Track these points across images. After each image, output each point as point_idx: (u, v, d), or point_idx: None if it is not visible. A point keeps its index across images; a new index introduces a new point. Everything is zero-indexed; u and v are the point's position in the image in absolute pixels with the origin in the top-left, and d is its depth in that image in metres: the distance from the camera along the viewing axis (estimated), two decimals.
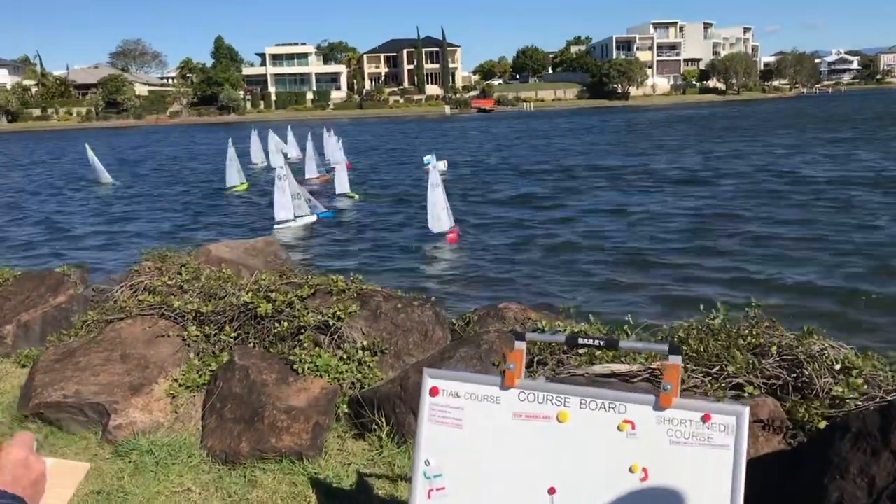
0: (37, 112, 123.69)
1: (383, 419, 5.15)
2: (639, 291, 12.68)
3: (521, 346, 3.33)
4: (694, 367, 4.73)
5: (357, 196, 28.78)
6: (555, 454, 3.21)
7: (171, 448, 5.23)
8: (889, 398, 4.00)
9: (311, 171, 36.71)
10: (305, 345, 5.85)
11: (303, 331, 5.94)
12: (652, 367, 4.78)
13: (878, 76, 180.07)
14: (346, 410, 5.44)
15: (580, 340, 3.25)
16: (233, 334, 6.13)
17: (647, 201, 23.00)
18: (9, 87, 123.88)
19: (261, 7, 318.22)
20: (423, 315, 6.18)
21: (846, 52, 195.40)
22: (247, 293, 6.34)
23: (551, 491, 3.20)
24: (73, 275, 8.53)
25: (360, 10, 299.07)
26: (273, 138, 43.59)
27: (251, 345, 6.05)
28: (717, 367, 4.66)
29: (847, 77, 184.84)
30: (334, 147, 42.09)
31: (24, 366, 6.91)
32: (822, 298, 12.05)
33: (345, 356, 5.77)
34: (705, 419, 3.00)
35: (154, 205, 28.78)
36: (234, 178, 34.81)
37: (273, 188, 22.46)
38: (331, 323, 5.95)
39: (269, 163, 43.81)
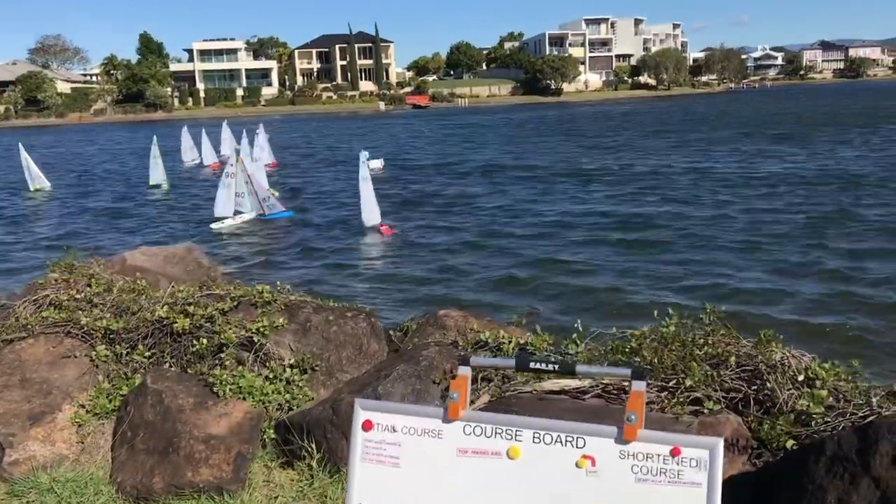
0: None
1: (314, 445, 4.71)
2: (583, 296, 12.39)
3: (465, 371, 2.95)
4: (649, 381, 4.42)
5: (275, 192, 28.48)
6: (505, 494, 2.85)
7: (76, 485, 4.70)
8: (860, 413, 3.75)
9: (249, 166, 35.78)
10: (227, 364, 5.37)
11: (224, 348, 5.46)
12: (603, 381, 4.46)
13: (801, 72, 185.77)
14: (273, 436, 4.98)
15: (532, 364, 2.89)
16: (146, 353, 5.60)
17: (585, 200, 22.84)
18: None
19: (187, 1, 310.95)
20: (357, 327, 5.76)
21: (771, 49, 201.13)
22: (162, 307, 5.82)
23: None
24: None
25: (291, 5, 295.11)
26: (205, 137, 42.61)
27: (167, 365, 5.54)
28: (674, 381, 4.36)
29: (772, 72, 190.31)
30: (263, 145, 41.23)
31: None
32: (771, 304, 11.86)
33: (271, 375, 5.31)
34: (674, 453, 2.66)
35: (71, 209, 27.42)
36: (158, 175, 33.94)
37: (217, 184, 22.04)
38: (255, 339, 5.48)
39: (201, 160, 42.85)
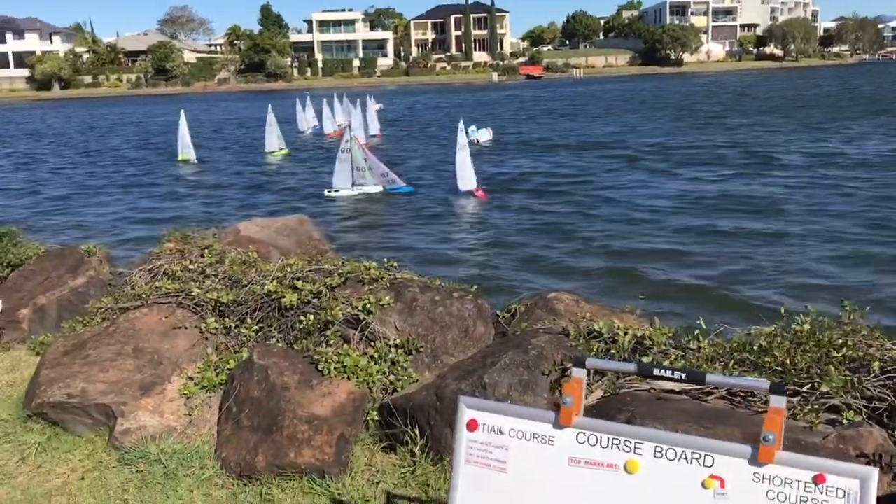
0: (88, 79, 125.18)
1: (417, 431, 4.57)
2: (699, 289, 11.58)
3: (580, 374, 2.70)
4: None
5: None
6: None
7: (183, 457, 4.72)
8: None
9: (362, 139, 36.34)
10: (332, 341, 5.29)
11: (330, 325, 5.38)
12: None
13: None
14: (376, 418, 4.87)
15: (656, 372, 2.61)
16: (254, 327, 5.59)
17: (714, 186, 21.40)
18: (61, 54, 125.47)
19: None
20: (464, 308, 5.56)
21: None
22: (271, 281, 5.79)
23: None
24: (98, 253, 8.11)
25: None
26: (326, 106, 43.31)
27: (274, 339, 5.51)
28: (809, 385, 3.97)
29: None
30: (372, 116, 41.80)
31: (38, 353, 6.49)
32: None
33: (376, 355, 5.19)
34: (818, 480, 2.35)
35: (202, 178, 28.27)
36: (274, 143, 34.71)
37: (328, 157, 22.47)
38: (361, 317, 5.38)
39: (321, 128, 43.70)
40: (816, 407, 3.80)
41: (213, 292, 5.88)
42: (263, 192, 24.48)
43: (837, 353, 4.13)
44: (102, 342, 5.61)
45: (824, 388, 3.88)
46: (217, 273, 6.31)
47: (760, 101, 55.64)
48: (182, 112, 32.45)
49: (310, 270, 6.08)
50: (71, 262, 7.67)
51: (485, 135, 35.80)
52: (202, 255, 6.75)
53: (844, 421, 3.71)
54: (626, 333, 4.68)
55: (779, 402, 2.43)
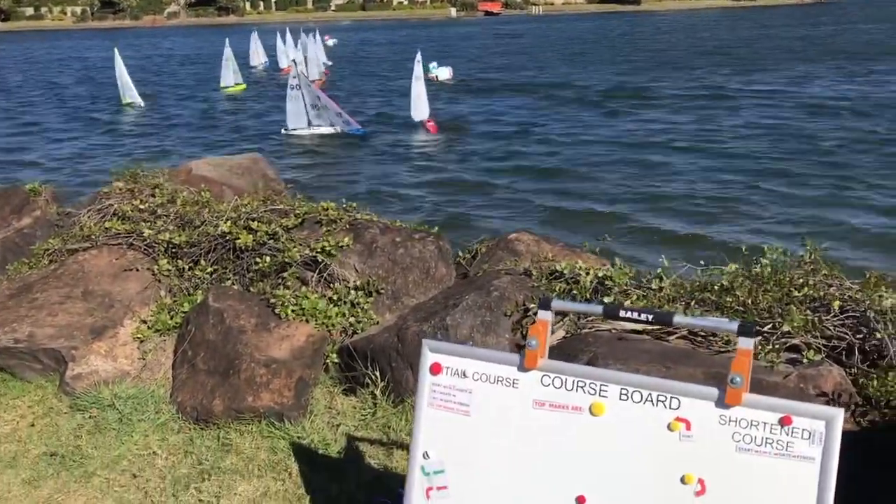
0: (30, 11, 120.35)
1: (377, 374, 4.52)
2: (664, 229, 11.64)
3: (545, 316, 2.64)
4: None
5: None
6: (585, 455, 2.57)
7: (137, 402, 4.62)
8: None
9: (313, 75, 35.73)
10: (290, 283, 5.18)
11: (287, 267, 5.26)
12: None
13: None
14: (336, 361, 4.81)
15: (622, 314, 2.56)
16: (209, 269, 5.45)
17: (667, 125, 21.44)
18: None
19: None
20: (425, 250, 5.48)
21: None
22: (225, 222, 5.63)
23: (580, 500, 2.57)
24: (44, 193, 7.81)
25: None
26: (279, 42, 42.23)
27: (229, 282, 5.38)
28: (770, 325, 3.99)
29: None
30: (319, 51, 41.06)
31: None
32: (881, 247, 10.72)
33: (335, 297, 5.10)
34: (784, 422, 2.34)
35: (151, 118, 27.42)
36: (230, 78, 34.09)
37: (284, 93, 21.74)
38: (319, 259, 5.27)
39: (273, 64, 42.83)
40: (777, 347, 3.82)
41: (166, 233, 5.71)
42: (217, 129, 23.96)
43: (798, 292, 4.15)
44: (50, 285, 5.43)
45: (785, 328, 3.90)
46: (169, 213, 6.12)
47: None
48: (116, 51, 29.61)
49: (265, 211, 5.92)
50: (15, 202, 7.37)
51: (445, 73, 35.40)
52: (152, 195, 6.54)
53: (805, 360, 3.73)
54: (587, 274, 4.64)
55: (747, 343, 2.40)
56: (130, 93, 30.00)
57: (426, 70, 35.41)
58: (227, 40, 33.99)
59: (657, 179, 15.03)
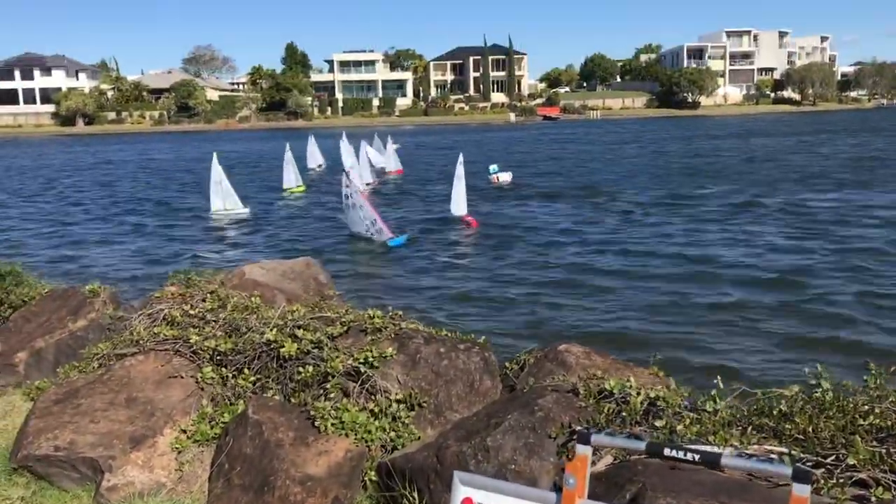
0: (112, 115, 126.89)
1: (415, 495, 4.32)
2: (722, 338, 11.14)
3: (584, 451, 2.45)
4: (802, 454, 3.77)
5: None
6: None
7: None
8: None
9: (367, 177, 36.73)
10: (332, 395, 5.07)
11: (330, 377, 5.15)
12: (750, 453, 3.83)
13: None
14: (374, 478, 4.62)
15: (666, 451, 2.37)
16: (252, 378, 5.37)
17: (731, 236, 20.87)
18: (86, 90, 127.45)
19: (330, 13, 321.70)
20: (470, 361, 5.33)
21: None
22: (271, 329, 5.59)
23: None
24: (102, 294, 7.93)
25: (429, 18, 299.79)
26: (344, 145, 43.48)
27: (271, 392, 5.29)
28: (833, 457, 3.69)
29: None
30: (390, 154, 42.45)
31: (32, 399, 6.28)
32: None
33: (376, 409, 4.95)
34: None
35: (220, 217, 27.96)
36: (291, 180, 35.29)
37: (339, 196, 22.06)
38: (362, 370, 5.15)
39: (327, 166, 44.18)
40: (842, 481, 3.53)
41: (212, 340, 5.68)
42: (278, 231, 24.41)
43: (864, 421, 3.86)
44: (96, 390, 5.41)
45: (850, 461, 3.60)
46: (218, 319, 6.12)
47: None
48: (214, 156, 28.62)
49: (312, 318, 5.87)
50: (73, 304, 7.50)
51: (506, 176, 36.13)
52: (203, 300, 6.56)
53: (873, 498, 3.42)
54: (638, 394, 4.42)
55: (802, 490, 2.19)
56: (231, 199, 28.22)
57: (488, 173, 36.29)
58: (287, 145, 35.31)
59: (707, 291, 14.56)
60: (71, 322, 7.17)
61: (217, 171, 28.03)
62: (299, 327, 5.63)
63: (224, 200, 28.00)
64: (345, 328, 5.72)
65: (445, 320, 11.66)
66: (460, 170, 24.15)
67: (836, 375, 4.31)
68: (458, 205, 24.43)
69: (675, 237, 19.83)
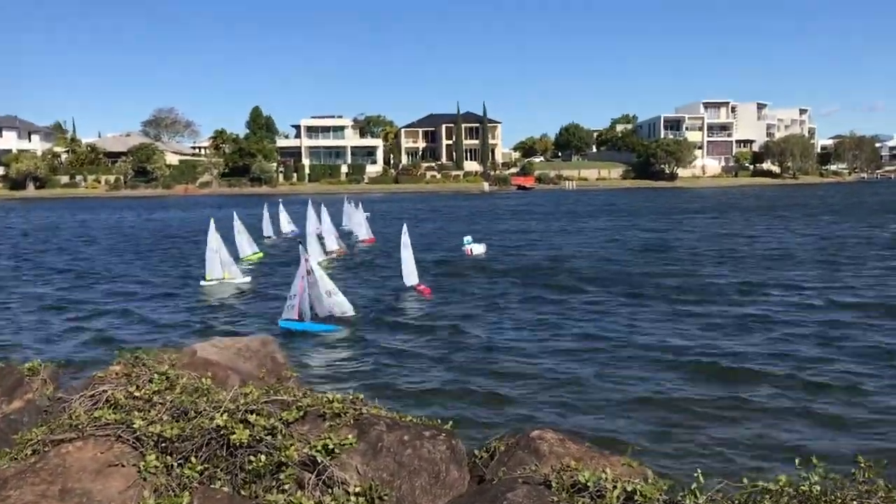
0: (65, 179, 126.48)
1: None
2: (701, 423, 11.02)
3: None
4: None
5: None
6: None
7: None
8: None
9: (332, 245, 36.93)
10: (286, 486, 4.91)
11: (284, 468, 5.00)
12: None
13: None
14: None
15: None
16: (199, 467, 5.19)
17: (720, 309, 20.92)
18: (39, 153, 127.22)
19: (299, 78, 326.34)
20: (436, 450, 5.21)
21: None
22: (222, 414, 5.43)
23: None
24: (42, 372, 7.71)
25: (400, 85, 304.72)
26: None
27: (219, 482, 5.11)
28: None
29: None
30: (361, 221, 42.83)
31: None
32: None
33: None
34: None
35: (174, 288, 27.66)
36: (246, 248, 35.41)
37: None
38: (319, 459, 5.01)
39: (295, 233, 44.40)
40: None
41: (157, 425, 5.51)
42: (234, 304, 24.10)
43: None
44: (27, 481, 5.19)
45: None
46: (164, 402, 5.96)
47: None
48: (235, 215, 31.90)
49: (266, 402, 5.74)
50: (8, 383, 7.28)
51: (479, 248, 36.41)
52: (150, 381, 6.40)
53: None
54: (614, 487, 4.33)
55: None
56: (231, 268, 28.15)
57: (462, 244, 36.58)
58: (234, 213, 35.81)
59: (683, 377, 14.46)
60: (5, 403, 6.94)
61: (215, 239, 27.98)
62: (252, 412, 5.49)
63: (224, 269, 28.00)
64: (301, 413, 5.58)
65: (410, 403, 11.45)
66: (405, 239, 24.82)
67: (824, 464, 4.26)
68: (409, 275, 24.93)
69: (644, 323, 19.81)
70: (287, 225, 47.92)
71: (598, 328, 18.85)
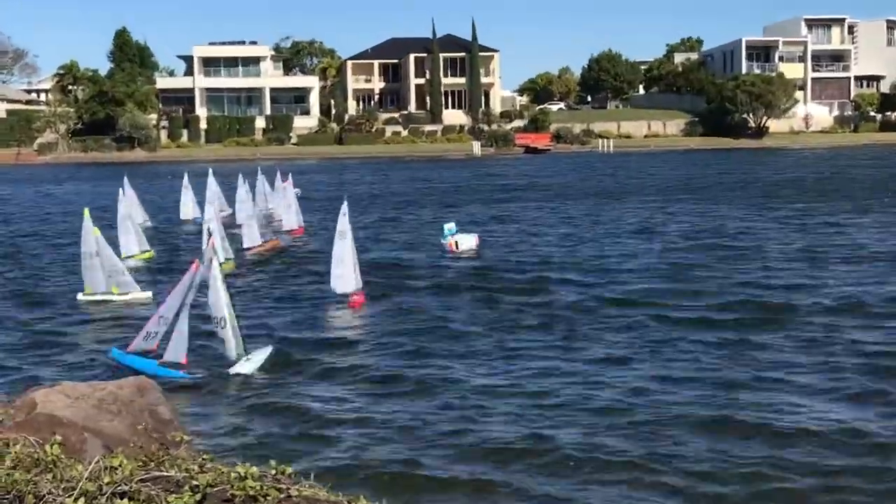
0: None
1: None
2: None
3: None
4: None
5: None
6: None
7: None
8: None
9: (253, 238, 36.97)
10: None
11: None
12: None
13: None
14: None
15: None
16: None
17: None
18: None
19: None
20: None
21: None
22: (76, 500, 5.46)
23: None
24: None
25: None
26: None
27: None
28: None
29: None
30: (290, 202, 43.15)
31: None
32: None
33: None
34: None
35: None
36: (132, 245, 35.29)
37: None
38: None
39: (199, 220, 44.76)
40: None
41: None
42: (99, 330, 24.12)
43: None
44: None
45: None
46: None
47: None
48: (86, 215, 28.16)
49: (144, 479, 5.78)
50: None
51: (467, 241, 35.87)
52: None
53: None
54: None
55: None
56: (121, 279, 28.02)
57: (442, 236, 36.37)
58: (120, 191, 36.36)
59: None
60: None
61: (91, 238, 27.59)
62: (123, 495, 5.53)
63: (110, 279, 27.61)
64: (199, 496, 5.63)
65: (356, 480, 11.66)
66: (344, 224, 25.16)
67: None
68: (342, 279, 25.23)
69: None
70: (191, 207, 48.79)
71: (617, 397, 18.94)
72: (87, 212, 27.67)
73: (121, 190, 37.52)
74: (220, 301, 18.99)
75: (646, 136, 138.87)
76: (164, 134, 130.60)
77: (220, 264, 19.27)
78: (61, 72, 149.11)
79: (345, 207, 25.24)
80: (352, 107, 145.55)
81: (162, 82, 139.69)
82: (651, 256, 35.16)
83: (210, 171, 44.65)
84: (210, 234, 21.50)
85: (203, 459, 6.20)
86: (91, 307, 27.01)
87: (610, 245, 38.53)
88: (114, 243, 33.47)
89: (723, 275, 29.87)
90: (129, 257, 34.69)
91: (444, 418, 16.05)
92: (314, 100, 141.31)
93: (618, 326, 23.15)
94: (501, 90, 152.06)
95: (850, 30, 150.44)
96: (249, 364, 18.90)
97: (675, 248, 36.74)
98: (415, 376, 18.54)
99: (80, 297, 27.89)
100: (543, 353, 20.24)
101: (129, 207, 37.53)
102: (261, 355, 19.17)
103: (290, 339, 22.10)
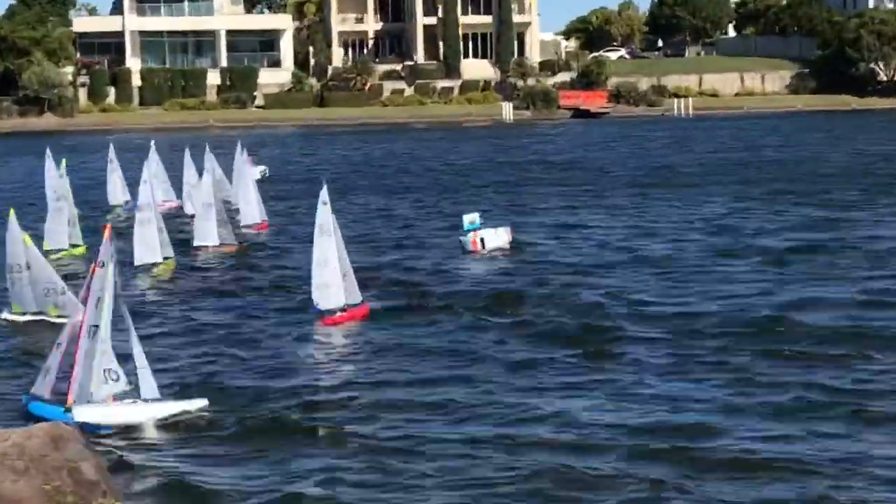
0: None
1: None
2: None
3: None
4: None
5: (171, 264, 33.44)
6: None
7: None
8: None
9: (207, 236, 37.23)
10: None
11: None
12: None
13: None
14: None
15: None
16: None
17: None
18: None
19: None
20: None
21: None
22: None
23: None
24: None
25: None
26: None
27: None
28: None
29: None
30: (249, 190, 43.24)
31: None
32: None
33: None
34: None
35: None
36: (62, 237, 36.10)
37: None
38: None
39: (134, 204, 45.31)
40: None
41: None
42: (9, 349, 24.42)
43: None
44: None
45: None
46: None
47: None
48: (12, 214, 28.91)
49: None
50: None
51: (496, 238, 36.06)
52: None
53: None
54: None
55: None
56: (60, 299, 28.25)
57: (463, 230, 36.29)
58: (49, 169, 37.60)
59: None
60: None
61: (19, 246, 28.19)
62: None
63: (44, 299, 28.01)
64: None
65: None
66: (324, 216, 25.06)
67: None
68: (329, 289, 24.90)
69: None
70: (119, 189, 49.44)
71: None
72: (12, 213, 27.91)
73: (51, 164, 38.78)
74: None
75: (737, 95, 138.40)
76: (82, 94, 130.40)
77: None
78: None
79: (324, 194, 25.14)
80: (337, 56, 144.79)
81: (80, 24, 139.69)
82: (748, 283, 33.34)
83: (152, 144, 44.97)
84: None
85: None
86: (21, 325, 27.63)
87: (692, 260, 36.75)
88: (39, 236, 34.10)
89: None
90: (56, 251, 35.31)
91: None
92: (286, 47, 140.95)
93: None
94: (541, 32, 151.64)
95: None
96: (138, 410, 18.78)
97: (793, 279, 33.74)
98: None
99: (4, 315, 28.52)
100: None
101: (62, 188, 38.10)
102: (179, 405, 19.00)
103: (243, 387, 21.83)
